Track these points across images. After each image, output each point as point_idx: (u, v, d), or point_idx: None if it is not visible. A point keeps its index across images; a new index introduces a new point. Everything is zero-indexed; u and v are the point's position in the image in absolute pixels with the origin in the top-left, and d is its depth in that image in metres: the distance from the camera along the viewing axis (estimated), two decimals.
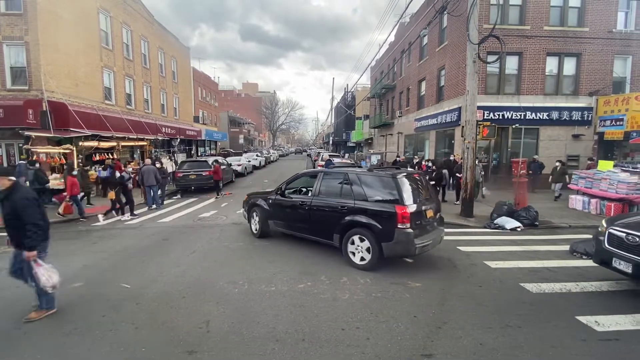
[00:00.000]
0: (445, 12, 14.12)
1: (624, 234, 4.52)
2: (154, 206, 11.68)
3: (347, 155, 37.45)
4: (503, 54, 10.58)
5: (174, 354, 3.41)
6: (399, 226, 5.35)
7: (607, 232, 4.84)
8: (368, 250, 5.70)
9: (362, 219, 5.72)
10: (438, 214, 6.50)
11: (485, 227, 9.22)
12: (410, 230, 5.36)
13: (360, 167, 13.06)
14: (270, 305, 4.45)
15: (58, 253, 6.90)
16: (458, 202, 11.65)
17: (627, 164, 12.09)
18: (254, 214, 7.97)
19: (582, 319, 4.09)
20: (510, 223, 9.08)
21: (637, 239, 4.35)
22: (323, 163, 19.60)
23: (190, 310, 4.31)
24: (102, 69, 17.47)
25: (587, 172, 11.19)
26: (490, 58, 12.98)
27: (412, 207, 5.48)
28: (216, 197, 14.48)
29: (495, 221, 9.34)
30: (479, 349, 3.48)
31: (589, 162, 13.74)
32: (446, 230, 8.88)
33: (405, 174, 6.11)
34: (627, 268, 4.42)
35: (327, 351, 3.44)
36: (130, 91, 20.23)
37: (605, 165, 10.90)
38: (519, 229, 8.85)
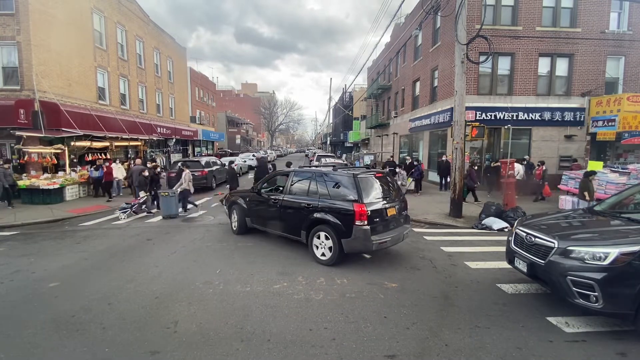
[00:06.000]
0: (434, 13, 14.12)
1: (525, 234, 4.57)
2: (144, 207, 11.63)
3: (344, 155, 37.38)
4: (492, 54, 10.56)
5: (137, 354, 3.40)
6: (356, 223, 5.49)
7: (514, 232, 4.91)
8: (330, 247, 5.88)
9: (325, 216, 5.89)
10: (403, 212, 6.55)
11: (472, 228, 9.22)
12: (367, 227, 5.48)
13: (354, 166, 13.04)
14: (242, 305, 4.44)
15: (41, 253, 6.92)
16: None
17: (618, 164, 12.06)
18: (234, 211, 8.19)
19: (553, 319, 4.07)
20: (497, 224, 9.07)
21: (533, 239, 4.38)
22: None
23: (161, 311, 4.30)
24: (96, 69, 17.47)
25: (576, 173, 11.15)
26: (482, 59, 12.95)
27: (370, 206, 5.62)
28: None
29: (482, 222, 9.33)
30: (444, 349, 3.46)
31: (574, 164, 13.93)
32: (433, 230, 9.00)
33: (367, 173, 6.21)
34: (524, 267, 4.48)
35: (290, 351, 3.43)
36: (125, 91, 20.22)
37: (595, 166, 10.88)
38: (506, 230, 8.81)
